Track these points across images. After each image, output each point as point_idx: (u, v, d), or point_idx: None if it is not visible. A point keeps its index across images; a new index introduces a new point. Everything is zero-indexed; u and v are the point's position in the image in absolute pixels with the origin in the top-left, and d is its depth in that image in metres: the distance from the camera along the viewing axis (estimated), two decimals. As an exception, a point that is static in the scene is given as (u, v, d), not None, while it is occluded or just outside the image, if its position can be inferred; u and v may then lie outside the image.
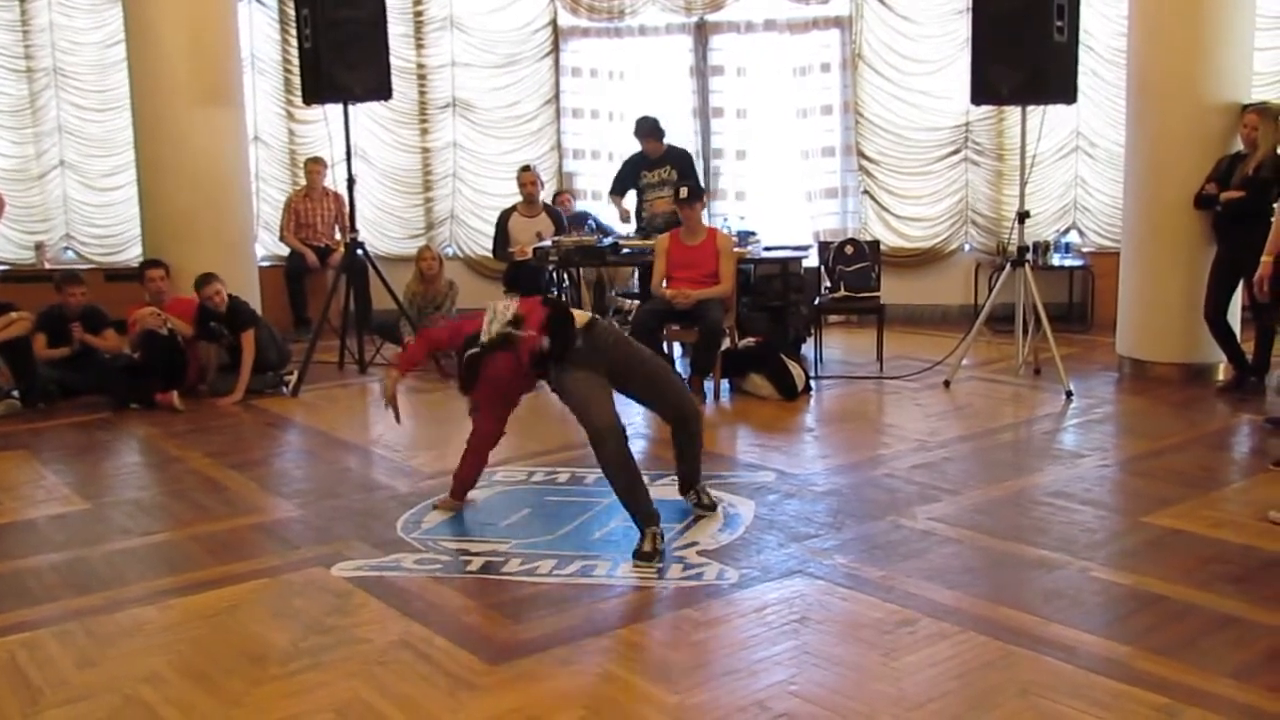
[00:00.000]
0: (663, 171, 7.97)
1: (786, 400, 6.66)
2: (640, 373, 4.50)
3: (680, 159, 8.03)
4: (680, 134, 9.36)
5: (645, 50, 9.77)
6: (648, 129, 7.92)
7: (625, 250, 7.53)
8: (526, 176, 8.63)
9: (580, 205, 9.53)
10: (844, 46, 9.30)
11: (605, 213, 8.99)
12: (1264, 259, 5.48)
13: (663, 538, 4.17)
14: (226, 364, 7.22)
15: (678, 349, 7.72)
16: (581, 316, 4.42)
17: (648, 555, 4.08)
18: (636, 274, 8.29)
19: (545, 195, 9.25)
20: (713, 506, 4.65)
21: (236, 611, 3.76)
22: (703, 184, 8.83)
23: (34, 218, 10.41)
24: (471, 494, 4.87)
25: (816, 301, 7.81)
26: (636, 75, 9.78)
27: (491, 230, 8.92)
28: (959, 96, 8.45)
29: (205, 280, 7.09)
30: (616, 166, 8.53)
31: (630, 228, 8.14)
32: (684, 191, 6.85)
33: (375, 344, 8.20)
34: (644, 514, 4.18)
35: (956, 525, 4.41)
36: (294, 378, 7.28)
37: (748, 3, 9.42)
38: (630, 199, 8.25)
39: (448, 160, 10.14)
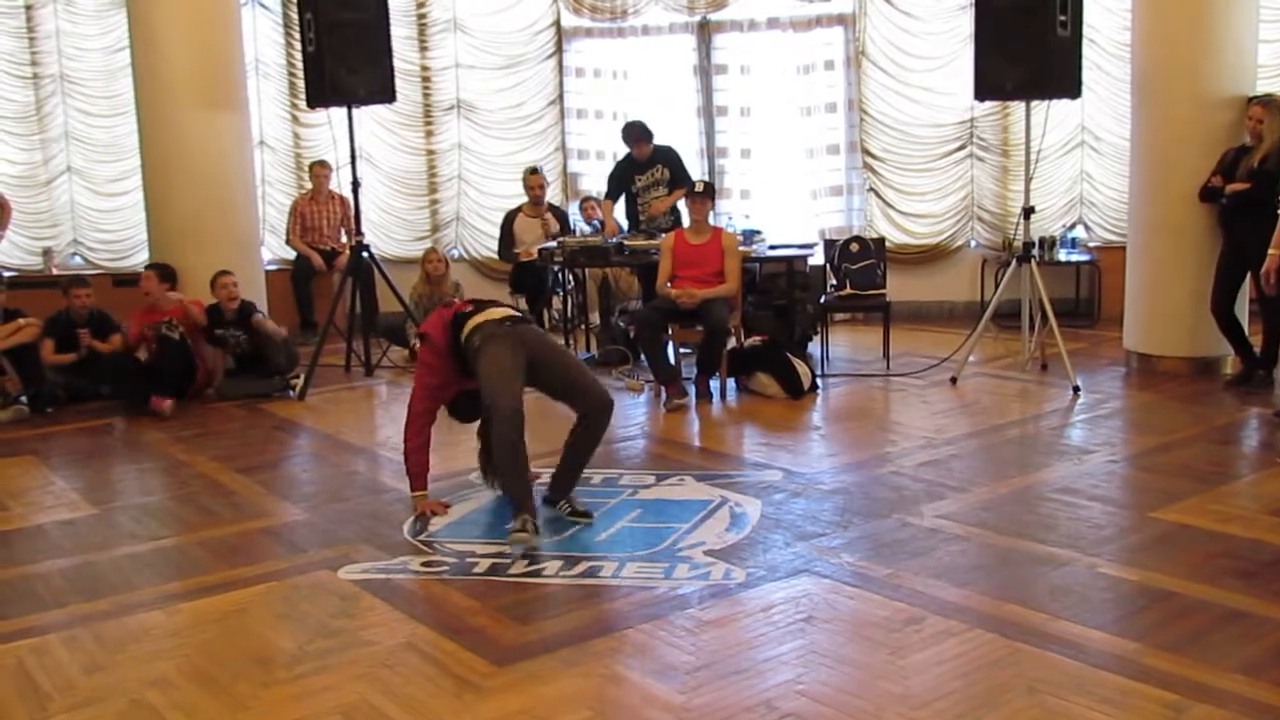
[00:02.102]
0: (655, 172, 7.94)
1: (793, 399, 6.65)
2: (560, 365, 4.64)
3: (668, 156, 7.99)
4: (684, 133, 9.37)
5: (649, 50, 9.76)
6: (638, 133, 7.88)
7: (629, 250, 7.51)
8: (534, 179, 8.64)
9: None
10: (847, 44, 9.29)
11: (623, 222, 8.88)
12: (1271, 252, 5.48)
13: (535, 528, 4.25)
14: (233, 369, 7.24)
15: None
16: (504, 311, 4.61)
17: (520, 536, 4.19)
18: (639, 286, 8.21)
19: (556, 198, 9.24)
20: (588, 514, 4.56)
21: (243, 615, 3.76)
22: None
23: (41, 224, 10.44)
24: (476, 495, 4.86)
25: (822, 299, 7.79)
26: (640, 75, 9.77)
27: (497, 232, 8.93)
28: (963, 92, 8.41)
29: (220, 274, 7.17)
30: (620, 167, 8.51)
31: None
32: (700, 185, 6.85)
33: (381, 347, 8.22)
34: (517, 502, 4.32)
35: (963, 523, 4.39)
36: (300, 381, 7.29)
37: (750, 1, 9.41)
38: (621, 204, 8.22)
39: (452, 162, 10.15)
